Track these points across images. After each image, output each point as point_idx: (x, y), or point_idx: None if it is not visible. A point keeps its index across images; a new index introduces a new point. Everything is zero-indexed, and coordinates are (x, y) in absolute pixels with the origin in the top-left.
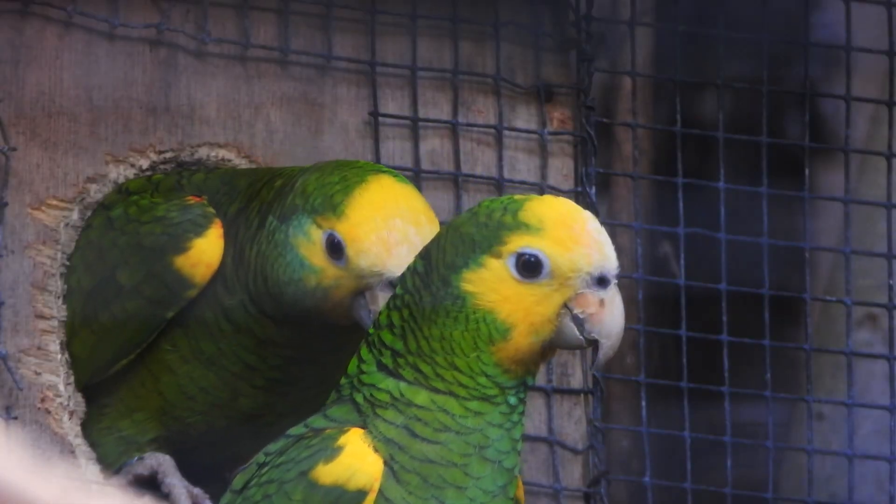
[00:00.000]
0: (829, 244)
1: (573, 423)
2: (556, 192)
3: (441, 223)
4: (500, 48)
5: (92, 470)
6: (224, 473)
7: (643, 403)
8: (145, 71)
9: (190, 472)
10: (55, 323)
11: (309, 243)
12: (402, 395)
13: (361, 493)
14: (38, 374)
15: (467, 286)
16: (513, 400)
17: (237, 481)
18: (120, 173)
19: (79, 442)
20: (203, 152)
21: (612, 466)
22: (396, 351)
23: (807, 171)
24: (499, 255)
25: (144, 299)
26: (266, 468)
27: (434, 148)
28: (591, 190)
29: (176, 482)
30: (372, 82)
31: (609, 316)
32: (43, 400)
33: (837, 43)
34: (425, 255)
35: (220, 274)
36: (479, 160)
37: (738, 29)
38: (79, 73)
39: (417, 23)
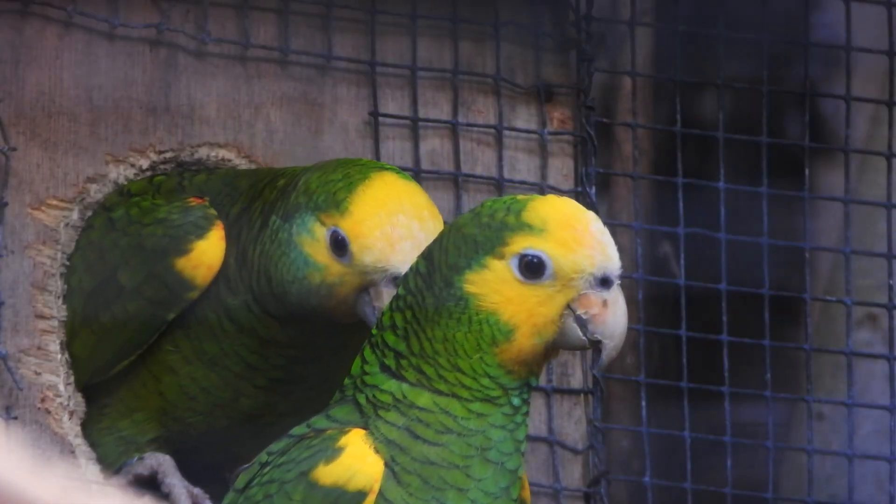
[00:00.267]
0: (829, 244)
1: (573, 423)
2: (556, 192)
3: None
4: (500, 48)
5: (92, 470)
6: (224, 473)
7: (643, 403)
8: (145, 71)
9: (190, 472)
10: (55, 323)
11: (313, 241)
12: (404, 396)
13: (361, 494)
14: (38, 374)
15: (470, 287)
16: (516, 401)
17: (240, 481)
18: (120, 173)
19: (79, 442)
20: (203, 152)
21: (612, 466)
22: (399, 352)
23: (807, 171)
24: (501, 257)
25: (145, 300)
26: (268, 468)
27: (434, 148)
28: (591, 190)
29: (176, 482)
30: (372, 82)
31: (612, 317)
32: (43, 400)
33: (837, 43)
34: (428, 255)
35: (222, 275)
36: (479, 160)
37: (738, 29)
38: (79, 73)
39: (417, 23)
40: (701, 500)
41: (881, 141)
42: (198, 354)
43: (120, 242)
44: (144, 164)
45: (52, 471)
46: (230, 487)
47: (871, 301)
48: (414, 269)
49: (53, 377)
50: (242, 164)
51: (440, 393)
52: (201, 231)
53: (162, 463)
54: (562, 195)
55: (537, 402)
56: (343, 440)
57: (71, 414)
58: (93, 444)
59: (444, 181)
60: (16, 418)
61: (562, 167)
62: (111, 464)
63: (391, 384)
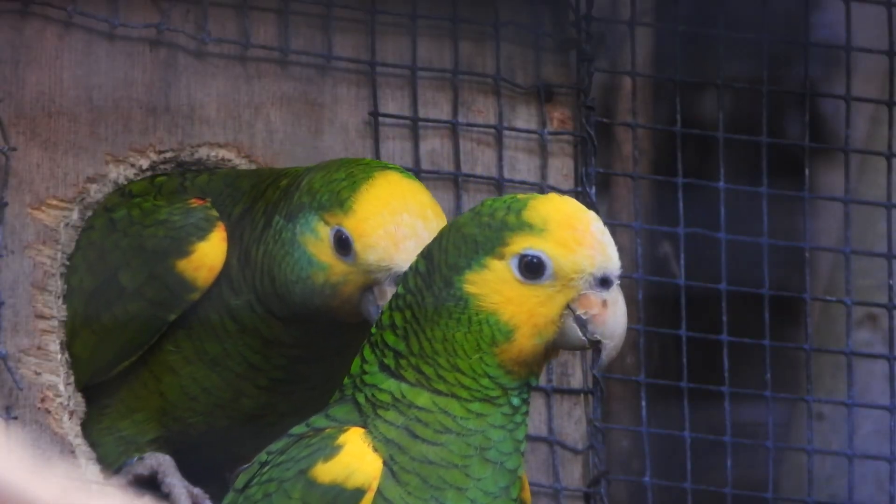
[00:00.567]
0: (829, 244)
1: (573, 423)
2: (556, 192)
3: None
4: (500, 48)
5: (92, 470)
6: (224, 473)
7: (643, 403)
8: (145, 71)
9: (190, 472)
10: (55, 323)
11: (316, 240)
12: (403, 396)
13: (359, 492)
14: (38, 374)
15: (470, 287)
16: (516, 401)
17: (240, 480)
18: (120, 173)
19: (79, 442)
20: (203, 152)
21: (612, 466)
22: (399, 352)
23: (807, 171)
24: (501, 257)
25: (146, 302)
26: (267, 467)
27: (434, 148)
28: (591, 190)
29: (176, 482)
30: (372, 82)
31: (612, 317)
32: (43, 400)
33: (837, 43)
34: (427, 254)
35: (224, 275)
36: (479, 160)
37: (738, 29)
38: (79, 73)
39: (417, 23)
40: (701, 500)
41: (881, 141)
42: (199, 355)
43: (121, 243)
44: (144, 164)
45: (52, 471)
46: (230, 487)
47: (871, 301)
48: (413, 269)
49: (53, 377)
50: (242, 164)
51: (439, 393)
52: (202, 232)
53: (162, 463)
54: (562, 195)
55: (537, 402)
56: (342, 438)
57: (71, 414)
58: (93, 444)
59: (444, 181)
60: (16, 418)
61: (562, 167)
62: (111, 464)
63: (390, 384)
